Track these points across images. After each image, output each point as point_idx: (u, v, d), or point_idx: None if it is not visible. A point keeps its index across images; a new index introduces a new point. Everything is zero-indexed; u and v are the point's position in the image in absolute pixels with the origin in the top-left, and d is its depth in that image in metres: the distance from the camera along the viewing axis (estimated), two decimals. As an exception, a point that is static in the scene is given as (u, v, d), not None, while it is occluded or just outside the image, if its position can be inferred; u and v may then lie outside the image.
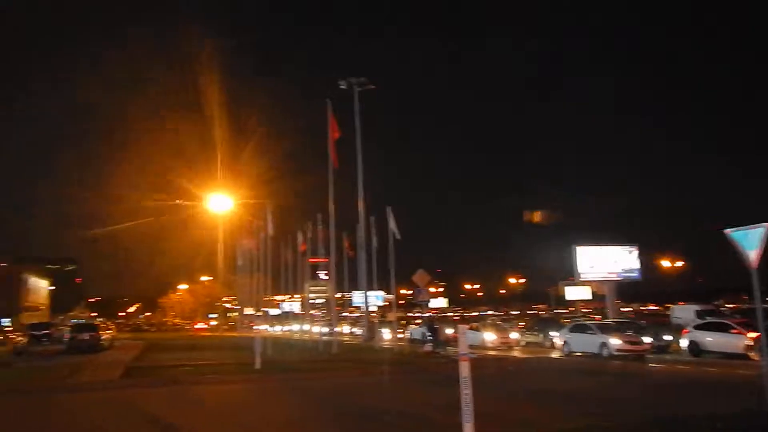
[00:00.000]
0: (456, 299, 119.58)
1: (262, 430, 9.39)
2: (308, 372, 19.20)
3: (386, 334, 37.70)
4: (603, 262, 36.87)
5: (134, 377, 17.76)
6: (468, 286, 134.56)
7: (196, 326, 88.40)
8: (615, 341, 22.20)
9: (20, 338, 30.26)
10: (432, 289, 62.03)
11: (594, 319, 39.40)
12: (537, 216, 56.41)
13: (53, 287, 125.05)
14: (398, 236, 31.41)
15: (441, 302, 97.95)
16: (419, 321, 43.70)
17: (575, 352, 23.89)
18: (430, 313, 40.76)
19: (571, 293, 59.81)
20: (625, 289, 43.30)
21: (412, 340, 35.43)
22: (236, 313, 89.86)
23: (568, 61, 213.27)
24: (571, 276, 39.32)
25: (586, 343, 23.51)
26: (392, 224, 31.52)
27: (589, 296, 57.76)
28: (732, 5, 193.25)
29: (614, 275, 37.04)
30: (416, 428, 9.19)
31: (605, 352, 22.14)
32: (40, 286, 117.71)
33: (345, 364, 21.56)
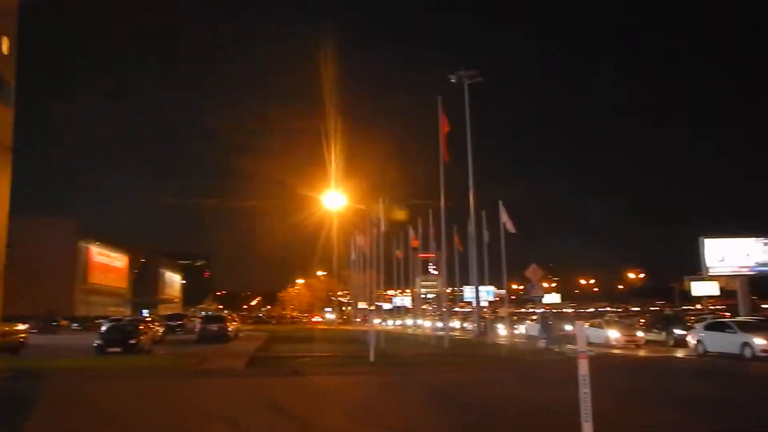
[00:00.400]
0: (570, 295, 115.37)
1: (381, 420, 9.56)
2: (421, 366, 19.34)
3: (501, 330, 37.08)
4: (734, 256, 34.08)
5: (258, 366, 18.81)
6: (583, 281, 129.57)
7: (312, 319, 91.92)
8: (760, 341, 20.05)
9: (158, 328, 32.93)
10: (545, 284, 60.36)
11: (724, 316, 36.38)
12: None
13: (185, 281, 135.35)
14: (512, 230, 30.75)
15: (554, 298, 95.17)
16: (534, 317, 42.58)
17: (711, 352, 22.05)
18: (545, 309, 39.59)
19: (698, 289, 56.04)
20: (758, 284, 39.72)
21: (528, 337, 34.62)
22: (350, 307, 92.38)
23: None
24: (699, 270, 36.60)
25: (724, 343, 21.56)
26: (504, 218, 30.92)
27: (717, 292, 54.24)
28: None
29: (746, 269, 34.12)
30: (538, 426, 8.94)
31: (748, 353, 20.14)
32: (174, 280, 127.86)
33: (457, 360, 21.49)
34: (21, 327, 24.53)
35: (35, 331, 34.13)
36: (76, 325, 54.08)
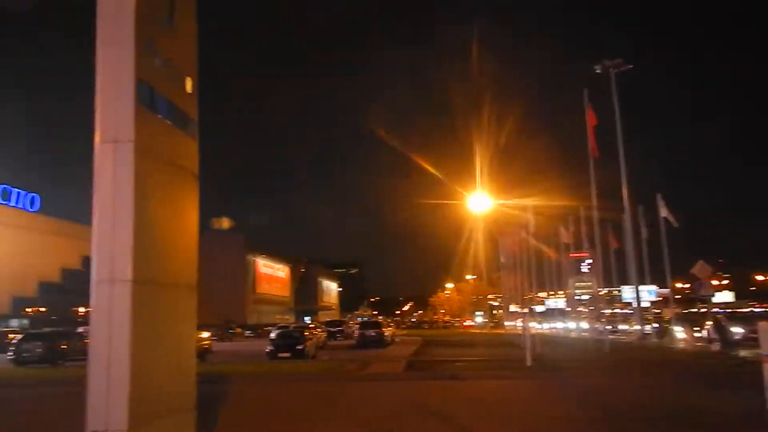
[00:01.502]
0: (744, 293, 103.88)
1: (541, 428, 9.60)
2: (580, 370, 18.77)
3: (679, 332, 34.41)
4: None
5: (415, 370, 19.47)
6: (760, 278, 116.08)
7: (464, 323, 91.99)
8: None
9: (321, 334, 35.06)
10: (714, 282, 55.16)
11: None
12: None
13: (341, 288, 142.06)
14: (674, 224, 28.73)
15: (726, 296, 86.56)
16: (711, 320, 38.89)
17: None
18: (718, 309, 36.24)
19: None
20: None
21: (710, 340, 31.80)
22: (501, 311, 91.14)
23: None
24: None
25: None
26: (664, 212, 29.01)
27: None
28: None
29: None
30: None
31: None
32: (331, 288, 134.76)
33: (619, 364, 20.56)
34: (205, 335, 27.51)
35: (215, 338, 37.91)
36: (249, 332, 59.08)
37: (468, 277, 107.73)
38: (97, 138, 5.45)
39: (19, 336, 26.71)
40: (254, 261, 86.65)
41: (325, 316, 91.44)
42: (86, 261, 62.77)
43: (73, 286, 59.02)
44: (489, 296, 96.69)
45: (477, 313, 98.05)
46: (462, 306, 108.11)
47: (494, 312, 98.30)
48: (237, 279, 79.15)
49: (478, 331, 72.07)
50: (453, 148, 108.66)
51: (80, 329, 27.96)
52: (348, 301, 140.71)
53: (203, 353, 25.55)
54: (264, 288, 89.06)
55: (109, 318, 5.44)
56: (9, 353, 24.09)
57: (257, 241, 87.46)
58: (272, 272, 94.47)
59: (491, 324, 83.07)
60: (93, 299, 5.45)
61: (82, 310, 61.05)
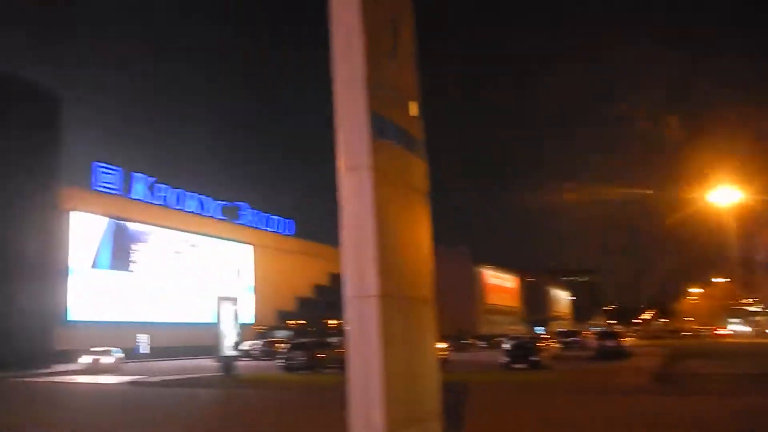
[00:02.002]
0: None
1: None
2: None
3: None
4: None
5: (662, 384, 17.78)
6: None
7: (715, 332, 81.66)
8: None
9: (555, 344, 34.03)
10: None
11: None
12: None
13: (574, 297, 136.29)
14: None
15: None
16: None
17: None
18: None
19: None
20: None
21: None
22: (761, 317, 79.08)
23: None
24: None
25: None
26: None
27: None
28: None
29: None
30: None
31: None
32: (561, 297, 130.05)
33: None
34: (443, 345, 28.53)
35: (452, 349, 39.00)
36: (482, 342, 59.62)
37: (716, 280, 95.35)
38: (340, 168, 6.09)
39: (286, 346, 30.49)
40: (482, 272, 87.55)
41: (557, 326, 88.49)
42: (334, 278, 69.56)
43: (323, 300, 65.80)
44: (745, 301, 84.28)
45: (732, 319, 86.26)
46: (712, 312, 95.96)
47: (756, 318, 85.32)
48: (466, 291, 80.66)
49: (735, 340, 63.19)
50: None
51: (333, 339, 30.92)
52: (581, 311, 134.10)
53: (443, 363, 26.47)
54: (493, 299, 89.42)
55: (361, 330, 5.98)
56: (279, 361, 27.71)
57: (483, 254, 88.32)
58: (500, 283, 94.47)
59: (755, 332, 72.25)
60: (346, 313, 6.05)
61: (332, 322, 67.74)
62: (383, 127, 6.23)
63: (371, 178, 6.02)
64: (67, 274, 39.32)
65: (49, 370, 30.22)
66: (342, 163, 6.16)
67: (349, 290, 6.12)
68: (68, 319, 39.04)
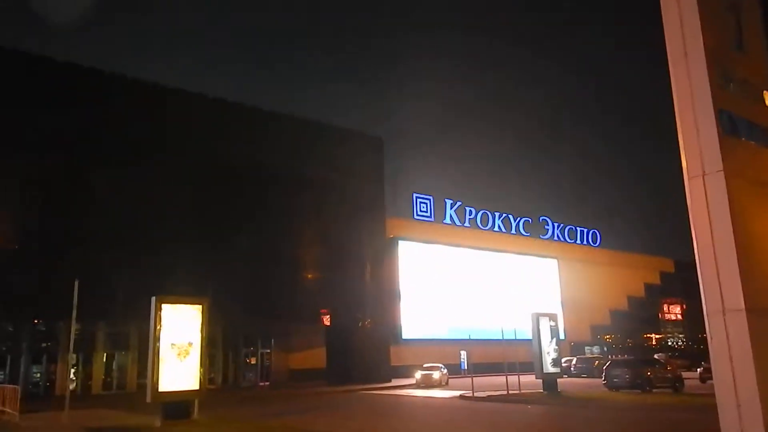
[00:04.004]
0: None
1: None
2: None
3: None
4: None
5: None
6: None
7: None
8: None
9: None
10: None
11: None
12: None
13: None
14: None
15: None
16: None
17: None
18: None
19: None
20: None
21: None
22: None
23: None
24: None
25: None
26: None
27: None
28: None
29: None
30: None
31: None
32: None
33: None
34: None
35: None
36: None
37: None
38: (685, 173, 5.73)
39: (606, 363, 29.06)
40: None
41: None
42: (649, 289, 64.22)
43: (637, 312, 61.07)
44: None
45: None
46: None
47: None
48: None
49: None
50: None
51: (659, 355, 28.58)
52: None
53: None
54: None
55: (726, 348, 5.49)
56: (600, 378, 26.54)
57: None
58: None
59: None
60: (709, 329, 5.62)
61: (651, 335, 62.35)
62: (733, 125, 5.69)
63: (723, 181, 5.57)
64: (399, 297, 43.83)
65: (388, 384, 33.94)
66: (686, 168, 5.80)
67: (708, 304, 5.72)
68: (402, 337, 43.42)
